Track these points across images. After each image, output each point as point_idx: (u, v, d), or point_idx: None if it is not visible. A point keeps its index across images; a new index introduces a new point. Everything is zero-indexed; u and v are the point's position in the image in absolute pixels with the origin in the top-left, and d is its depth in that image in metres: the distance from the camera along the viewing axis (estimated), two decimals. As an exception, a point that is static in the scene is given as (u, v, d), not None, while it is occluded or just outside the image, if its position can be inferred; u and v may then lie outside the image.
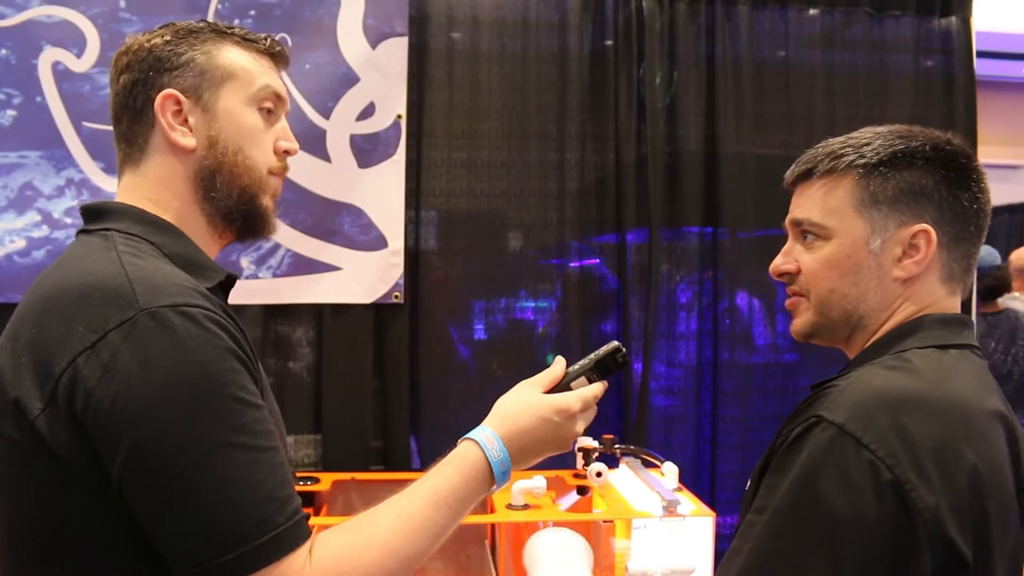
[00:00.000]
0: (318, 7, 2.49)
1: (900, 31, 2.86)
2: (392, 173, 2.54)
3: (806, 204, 1.01)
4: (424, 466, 2.57)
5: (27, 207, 2.38)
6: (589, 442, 2.34)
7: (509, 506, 2.07)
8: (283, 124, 1.03)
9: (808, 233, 1.01)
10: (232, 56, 0.99)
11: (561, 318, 2.69)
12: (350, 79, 2.50)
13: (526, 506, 2.07)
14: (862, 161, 0.97)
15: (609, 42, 2.68)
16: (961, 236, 0.97)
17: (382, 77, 2.52)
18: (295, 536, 0.80)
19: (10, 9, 2.36)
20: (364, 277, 2.53)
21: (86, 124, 2.40)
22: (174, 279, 0.85)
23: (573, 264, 2.70)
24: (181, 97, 0.96)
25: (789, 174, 1.05)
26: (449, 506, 0.89)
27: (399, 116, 2.54)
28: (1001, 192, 4.95)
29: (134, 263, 0.86)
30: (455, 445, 0.96)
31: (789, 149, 2.75)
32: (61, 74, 2.39)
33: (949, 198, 0.96)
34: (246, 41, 1.01)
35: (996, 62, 4.44)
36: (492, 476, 0.93)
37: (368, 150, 2.53)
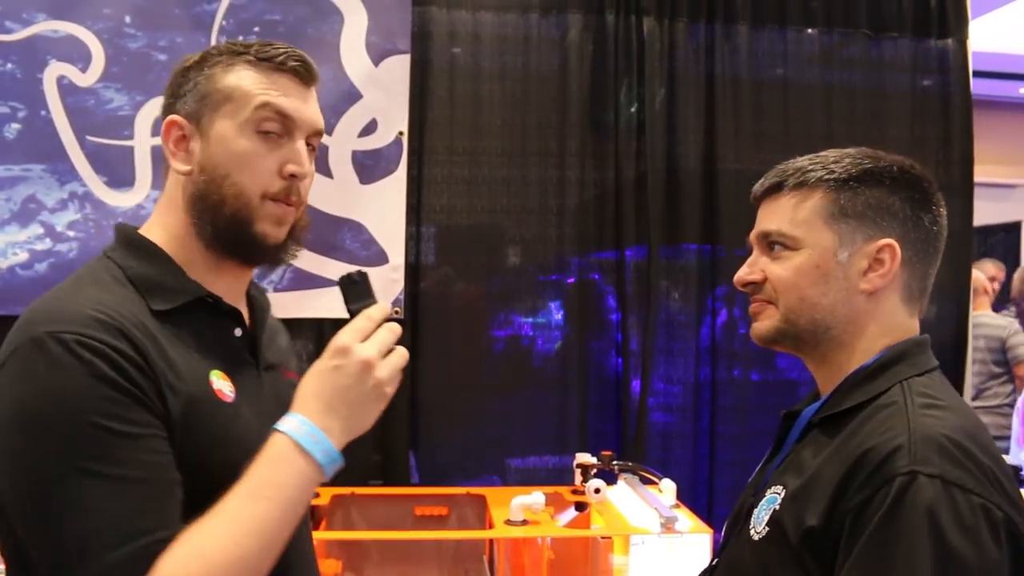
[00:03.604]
0: (321, 24, 2.51)
1: (897, 52, 2.89)
2: (393, 189, 2.56)
3: (776, 216, 1.04)
4: (423, 481, 2.59)
5: (30, 220, 2.40)
6: (587, 458, 2.35)
7: (507, 522, 2.08)
8: (295, 146, 0.97)
9: (776, 244, 1.04)
10: (236, 77, 0.96)
11: (560, 334, 2.70)
12: (352, 96, 2.53)
13: (524, 522, 2.08)
14: (832, 176, 1.01)
15: (609, 60, 2.71)
16: (922, 256, 1.01)
17: (384, 94, 2.54)
18: (127, 571, 0.79)
19: (16, 24, 2.38)
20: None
21: (90, 138, 2.42)
22: (78, 307, 0.86)
23: (572, 280, 2.71)
24: (184, 123, 0.96)
25: (758, 187, 1.09)
26: (266, 497, 0.84)
27: (401, 133, 2.56)
28: (997, 211, 5.00)
29: (67, 289, 0.90)
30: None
31: (787, 168, 2.77)
32: (66, 88, 2.41)
33: (913, 218, 1.00)
34: (259, 60, 0.97)
35: (992, 82, 4.49)
36: (304, 452, 0.86)
37: (370, 166, 2.55)
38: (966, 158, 2.90)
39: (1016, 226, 5.03)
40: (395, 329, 0.93)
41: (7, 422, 0.82)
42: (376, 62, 2.54)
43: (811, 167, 1.03)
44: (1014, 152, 4.96)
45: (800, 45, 2.84)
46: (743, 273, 1.07)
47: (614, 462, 2.27)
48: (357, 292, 0.95)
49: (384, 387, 0.90)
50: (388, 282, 2.55)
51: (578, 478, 2.33)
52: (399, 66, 2.55)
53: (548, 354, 2.70)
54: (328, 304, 2.53)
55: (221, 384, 0.94)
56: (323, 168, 2.50)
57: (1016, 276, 3.45)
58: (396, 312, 2.55)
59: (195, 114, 0.96)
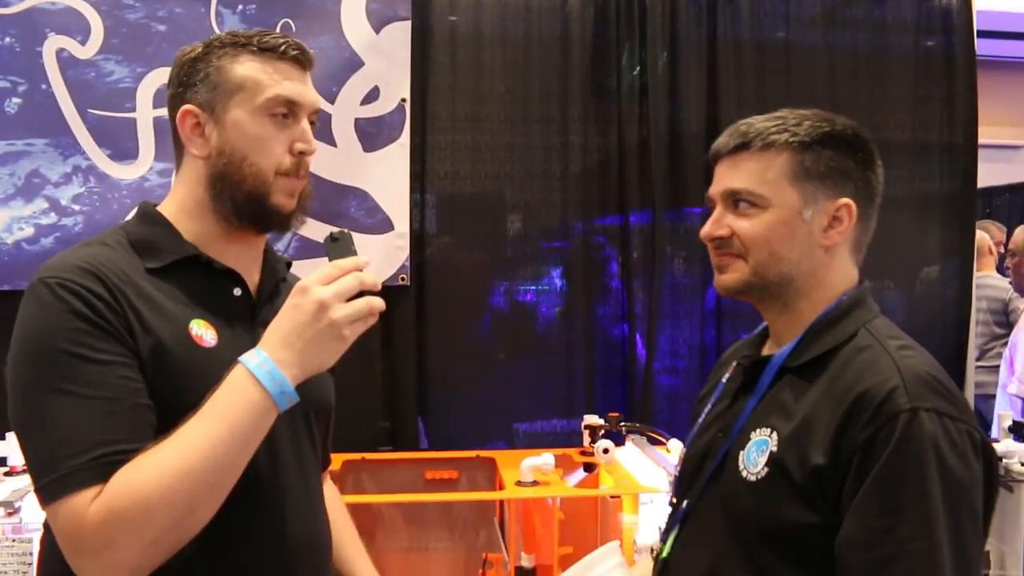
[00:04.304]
0: (321, -8, 2.49)
1: (900, 11, 2.86)
2: (397, 156, 2.56)
3: (742, 175, 1.10)
4: (432, 447, 2.62)
5: (35, 194, 2.40)
6: (596, 420, 2.38)
7: (518, 483, 2.10)
8: (302, 126, 1.09)
9: (743, 201, 1.09)
10: (244, 68, 1.07)
11: (564, 300, 2.72)
12: (354, 63, 2.52)
13: (534, 483, 2.10)
14: (796, 139, 1.08)
15: (611, 25, 2.69)
16: (869, 213, 1.12)
17: (386, 61, 2.53)
18: (85, 478, 0.91)
19: (14, -4, 2.36)
20: (370, 260, 2.54)
21: (92, 111, 2.41)
22: (71, 260, 1.01)
23: (577, 246, 2.72)
24: (198, 111, 1.07)
25: (721, 145, 1.13)
26: (216, 420, 0.93)
27: (403, 100, 2.55)
28: (1002, 172, 4.97)
29: (74, 248, 1.06)
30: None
31: (791, 129, 2.76)
32: (66, 61, 2.40)
33: (864, 178, 1.10)
34: (261, 50, 1.08)
35: (996, 42, 4.45)
36: (255, 380, 0.94)
37: (373, 134, 2.54)
38: (970, 119, 2.88)
39: (1021, 187, 5.02)
40: (363, 279, 0.97)
41: (9, 351, 0.98)
42: (377, 29, 2.52)
43: (775, 128, 1.09)
44: (1019, 113, 4.93)
45: (802, 6, 2.82)
46: (711, 228, 1.12)
47: (621, 423, 2.29)
48: (338, 249, 1.01)
49: (340, 328, 0.95)
50: (394, 249, 2.55)
51: (586, 440, 2.35)
52: (400, 33, 2.54)
53: (553, 320, 2.72)
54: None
55: (201, 331, 1.05)
56: (327, 136, 2.50)
57: (1018, 229, 3.44)
58: (403, 279, 2.56)
59: (208, 103, 1.07)
